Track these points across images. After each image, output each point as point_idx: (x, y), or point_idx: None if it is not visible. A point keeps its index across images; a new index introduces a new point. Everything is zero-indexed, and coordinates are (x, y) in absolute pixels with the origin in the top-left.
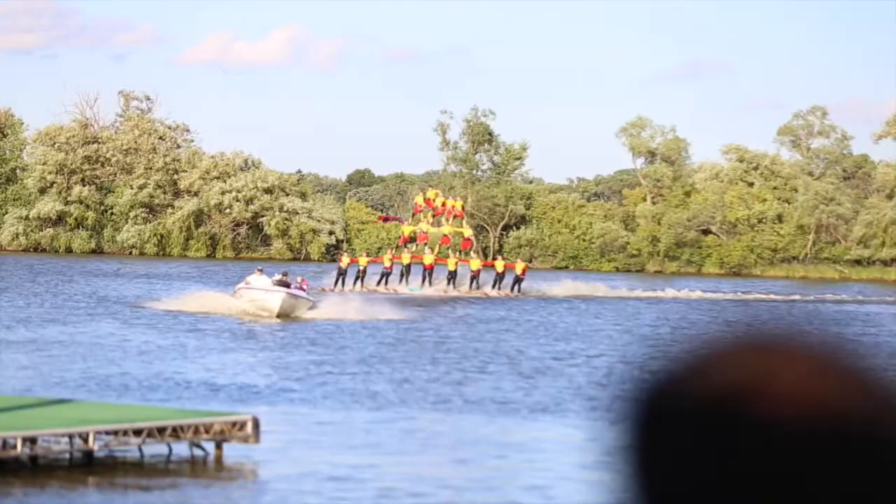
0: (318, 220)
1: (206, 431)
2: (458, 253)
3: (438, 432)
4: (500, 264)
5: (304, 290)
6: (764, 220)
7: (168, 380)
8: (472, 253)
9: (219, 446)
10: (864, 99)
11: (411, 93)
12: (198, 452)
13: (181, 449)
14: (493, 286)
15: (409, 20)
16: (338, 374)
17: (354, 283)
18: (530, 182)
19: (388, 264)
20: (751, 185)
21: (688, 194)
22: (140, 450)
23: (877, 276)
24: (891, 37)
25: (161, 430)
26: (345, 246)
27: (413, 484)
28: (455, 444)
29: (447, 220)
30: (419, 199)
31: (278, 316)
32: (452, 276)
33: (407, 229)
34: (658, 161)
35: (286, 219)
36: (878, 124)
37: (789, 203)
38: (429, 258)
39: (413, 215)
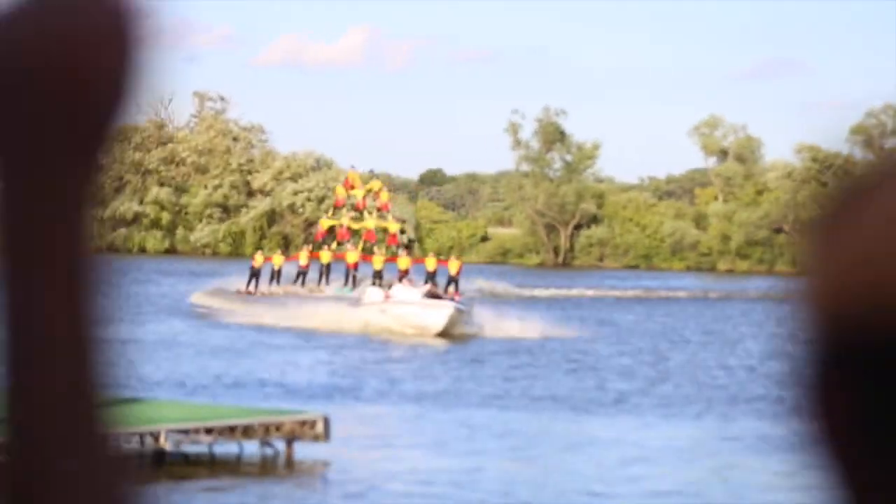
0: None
1: (277, 430)
2: (385, 249)
3: (507, 430)
4: (430, 262)
5: (455, 301)
6: None
7: (240, 379)
8: (400, 250)
9: (289, 445)
10: None
11: (483, 92)
12: (268, 451)
13: (252, 447)
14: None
15: (481, 20)
16: (410, 372)
17: (270, 282)
18: (601, 181)
19: (304, 262)
20: (824, 184)
21: (759, 193)
22: (211, 448)
23: None
24: None
25: (232, 429)
26: (414, 245)
27: (481, 483)
28: (521, 440)
29: (371, 213)
30: (340, 191)
31: (440, 334)
32: (378, 276)
33: (325, 223)
34: (730, 160)
35: (357, 218)
36: None
37: None
38: (352, 256)
39: (334, 209)
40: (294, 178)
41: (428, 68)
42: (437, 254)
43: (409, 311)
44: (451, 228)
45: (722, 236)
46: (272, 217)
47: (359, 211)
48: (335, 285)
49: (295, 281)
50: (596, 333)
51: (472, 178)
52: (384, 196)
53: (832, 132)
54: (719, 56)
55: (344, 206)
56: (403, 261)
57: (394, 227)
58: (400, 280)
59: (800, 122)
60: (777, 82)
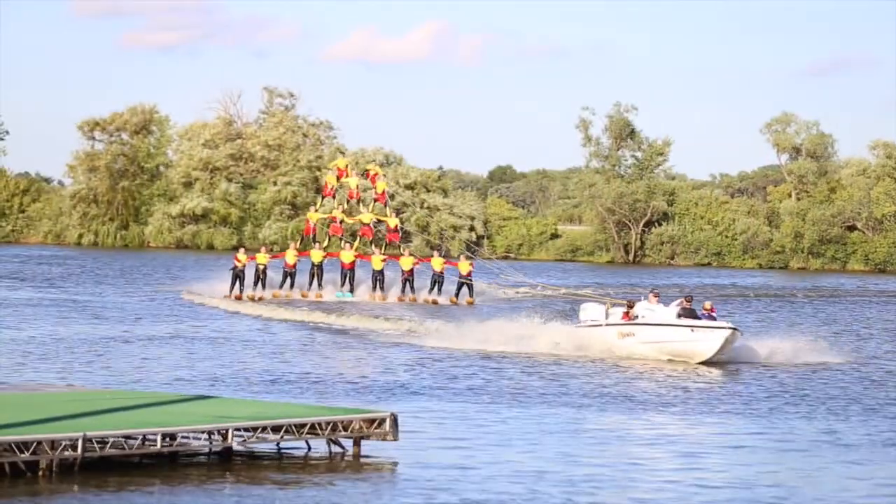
0: (459, 217)
1: (345, 428)
2: (376, 246)
3: (586, 429)
4: (437, 262)
5: (713, 318)
6: None
7: (307, 376)
8: (402, 249)
9: (357, 443)
10: None
11: (553, 89)
12: (336, 449)
13: (319, 446)
14: (432, 290)
15: (551, 16)
16: (479, 371)
17: (256, 285)
18: (673, 178)
19: (291, 262)
20: None
21: (833, 190)
22: (278, 446)
23: None
24: None
25: (299, 427)
26: (483, 242)
27: (559, 482)
28: (597, 440)
29: (366, 205)
30: (331, 179)
31: (703, 362)
32: (379, 278)
33: (314, 216)
34: (803, 157)
35: (427, 215)
36: None
37: None
38: (347, 255)
39: (322, 198)
40: (364, 175)
41: (497, 64)
42: (507, 251)
43: (672, 334)
44: (521, 226)
45: (795, 234)
46: None
47: (351, 202)
48: (328, 288)
49: (282, 283)
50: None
51: (543, 174)
52: (381, 185)
53: None
54: (791, 52)
55: (334, 195)
56: (406, 261)
57: (392, 222)
58: (403, 284)
59: (875, 119)
60: (851, 78)
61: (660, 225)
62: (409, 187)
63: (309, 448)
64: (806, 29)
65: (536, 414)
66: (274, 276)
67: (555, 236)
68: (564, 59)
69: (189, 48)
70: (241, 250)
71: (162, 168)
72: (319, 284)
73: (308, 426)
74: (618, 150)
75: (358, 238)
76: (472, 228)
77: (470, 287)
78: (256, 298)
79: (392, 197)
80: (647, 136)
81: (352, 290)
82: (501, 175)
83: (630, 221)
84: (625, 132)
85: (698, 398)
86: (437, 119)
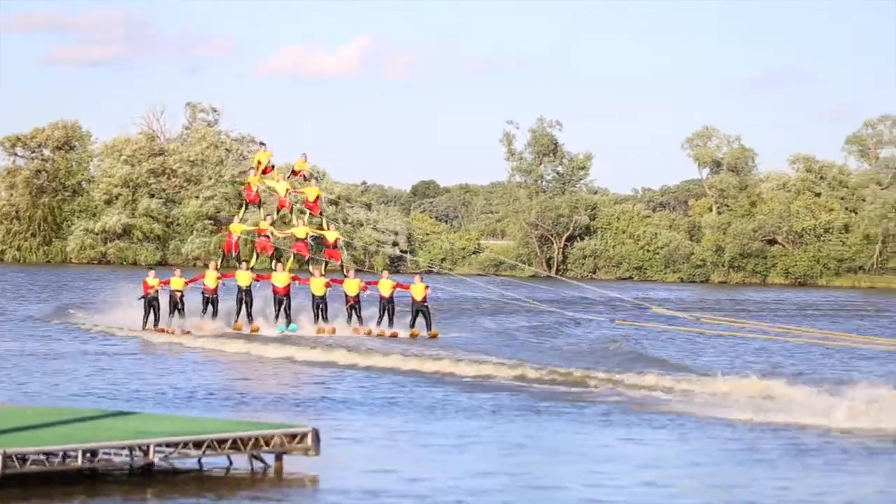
0: (383, 232)
1: (266, 444)
2: (313, 266)
3: (503, 441)
4: (386, 286)
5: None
6: (830, 230)
7: (229, 392)
8: (348, 270)
9: (279, 458)
10: None
11: (477, 104)
12: (258, 465)
13: (241, 461)
14: (381, 319)
15: (478, 32)
16: (400, 386)
17: (172, 312)
18: (595, 192)
19: (212, 286)
20: (818, 194)
21: (753, 204)
22: (200, 462)
23: None
24: None
25: (221, 443)
26: (407, 258)
27: (479, 495)
28: (534, 449)
29: (300, 215)
30: (254, 180)
31: None
32: (321, 304)
33: (237, 228)
34: (724, 171)
35: (350, 231)
36: None
37: (856, 213)
38: (280, 278)
39: (245, 205)
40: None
41: (424, 79)
42: (430, 265)
43: None
44: (444, 240)
45: (716, 248)
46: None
47: (281, 211)
48: (259, 319)
49: (204, 311)
50: None
51: (466, 189)
52: (313, 191)
53: (827, 142)
54: (713, 67)
55: (259, 202)
56: (352, 285)
57: (332, 236)
58: (350, 309)
59: (794, 133)
60: (771, 93)
61: (582, 239)
62: (333, 202)
63: (231, 463)
64: (728, 44)
65: (458, 428)
66: (194, 301)
67: (478, 251)
68: (489, 74)
69: (121, 64)
70: (151, 274)
71: (84, 184)
72: (249, 314)
73: (230, 441)
74: (540, 164)
75: (292, 256)
76: (395, 243)
77: (427, 315)
78: (177, 332)
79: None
80: (570, 151)
81: (288, 320)
82: (425, 190)
83: (552, 236)
84: (548, 147)
85: (626, 410)
86: (362, 134)
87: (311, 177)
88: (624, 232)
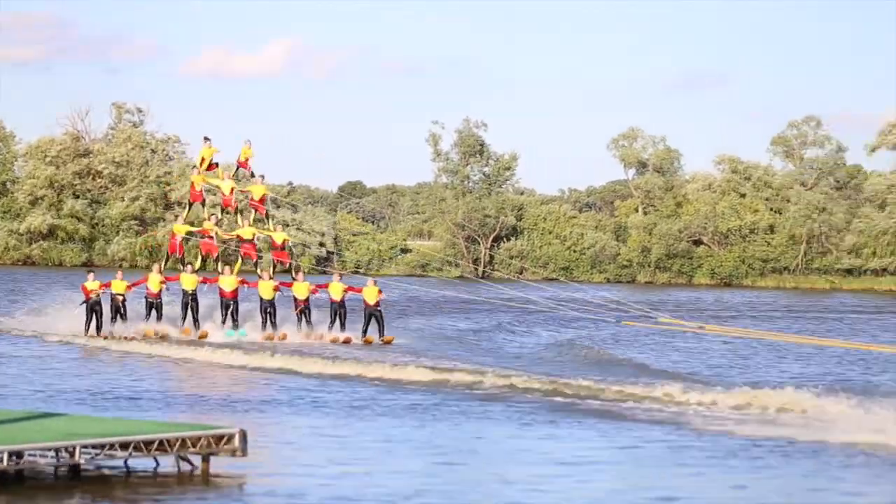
0: (309, 233)
1: (193, 445)
2: (261, 269)
3: (429, 442)
4: (337, 289)
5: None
6: (755, 231)
7: (159, 394)
8: (297, 273)
9: (206, 460)
10: (858, 110)
11: (404, 104)
12: (185, 466)
13: (168, 462)
14: (332, 324)
15: (403, 32)
16: (327, 387)
17: (114, 317)
18: (522, 193)
19: (155, 290)
20: (743, 195)
21: (679, 205)
22: (126, 464)
23: (868, 286)
24: (885, 49)
25: (148, 444)
26: (332, 259)
27: (408, 496)
28: (463, 450)
29: (246, 216)
30: (196, 178)
31: None
32: (270, 309)
33: (181, 229)
34: (650, 172)
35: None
36: (871, 135)
37: (781, 213)
38: (228, 282)
39: (189, 205)
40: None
41: (349, 80)
42: (357, 267)
43: None
44: (371, 241)
45: (642, 248)
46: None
47: (226, 210)
48: (231, 326)
49: (147, 316)
50: None
51: (392, 190)
52: (258, 189)
53: (752, 143)
54: (640, 68)
55: (203, 201)
56: (301, 287)
57: (279, 237)
58: (300, 313)
59: (719, 134)
60: (697, 94)
61: (509, 240)
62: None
63: (157, 465)
64: (654, 45)
65: (385, 428)
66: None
67: (405, 251)
68: (416, 75)
69: (44, 64)
70: (91, 276)
71: (8, 185)
72: (196, 319)
73: (156, 443)
74: (467, 165)
75: (239, 259)
76: (321, 244)
77: (380, 319)
78: (119, 338)
79: (240, 213)
80: (496, 151)
81: (235, 325)
82: (351, 190)
83: (479, 236)
84: (474, 147)
85: (552, 411)
86: (288, 135)
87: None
88: (550, 233)
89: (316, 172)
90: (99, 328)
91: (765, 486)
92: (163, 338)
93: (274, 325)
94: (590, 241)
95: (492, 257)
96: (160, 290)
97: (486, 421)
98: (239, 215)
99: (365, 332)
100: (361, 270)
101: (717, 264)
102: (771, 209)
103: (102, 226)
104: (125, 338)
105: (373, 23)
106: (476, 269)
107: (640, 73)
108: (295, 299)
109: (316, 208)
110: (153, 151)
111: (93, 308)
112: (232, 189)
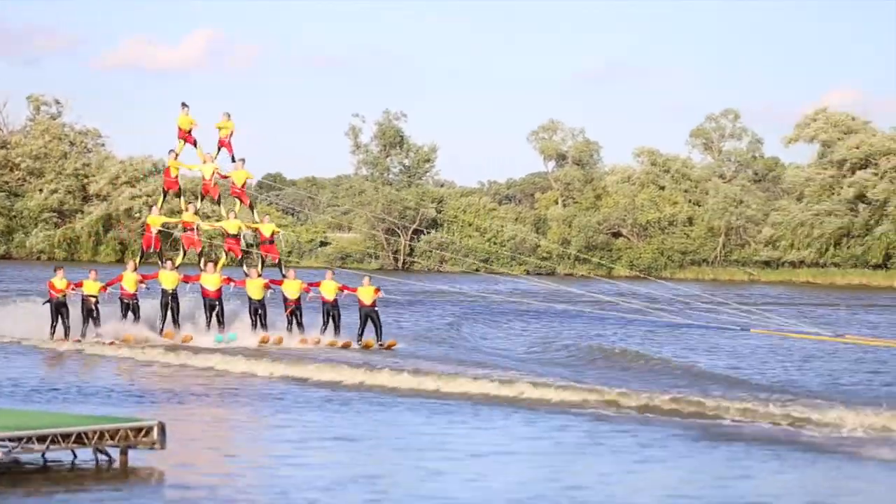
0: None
1: (112, 437)
2: (249, 265)
3: (350, 433)
4: (329, 287)
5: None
6: (674, 223)
7: (74, 386)
8: (287, 270)
9: (124, 452)
10: (776, 103)
11: (324, 96)
12: (102, 459)
13: (86, 455)
14: (325, 326)
15: (323, 24)
16: (248, 379)
17: (86, 321)
18: (442, 185)
19: (131, 289)
20: (662, 188)
21: (599, 197)
22: (44, 457)
23: (785, 278)
24: (802, 42)
25: (65, 437)
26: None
27: (325, 487)
28: (364, 444)
29: (226, 207)
30: (172, 163)
31: None
32: (260, 310)
33: (156, 221)
34: (569, 164)
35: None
36: (789, 128)
37: (700, 205)
38: (211, 280)
39: (164, 194)
40: (131, 183)
41: (270, 72)
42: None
43: None
44: (290, 233)
45: (561, 240)
46: (108, 222)
47: (207, 198)
48: (223, 331)
49: (123, 318)
50: None
51: (312, 182)
52: (239, 176)
53: (671, 135)
54: (560, 60)
55: (179, 189)
56: (292, 286)
57: (267, 229)
58: (290, 315)
59: (638, 126)
60: (616, 87)
61: (429, 232)
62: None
63: (75, 457)
64: (574, 36)
65: (306, 419)
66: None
67: (324, 243)
68: (336, 66)
69: None
70: (59, 274)
71: None
72: (176, 321)
73: (74, 435)
74: (387, 157)
75: (224, 254)
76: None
77: (376, 321)
78: (94, 342)
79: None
80: (416, 143)
81: (221, 326)
82: (271, 182)
83: (399, 228)
84: (394, 139)
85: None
86: (208, 126)
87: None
88: (470, 225)
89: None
90: (67, 331)
91: None
92: (143, 343)
93: (264, 326)
94: (509, 233)
95: (412, 249)
96: (136, 290)
97: (410, 414)
98: (220, 205)
99: (361, 335)
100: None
101: (636, 256)
102: (690, 201)
103: (21, 218)
104: (103, 343)
105: (293, 14)
106: (396, 262)
107: (559, 65)
108: (285, 299)
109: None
110: (72, 144)
111: (59, 309)
112: (214, 173)
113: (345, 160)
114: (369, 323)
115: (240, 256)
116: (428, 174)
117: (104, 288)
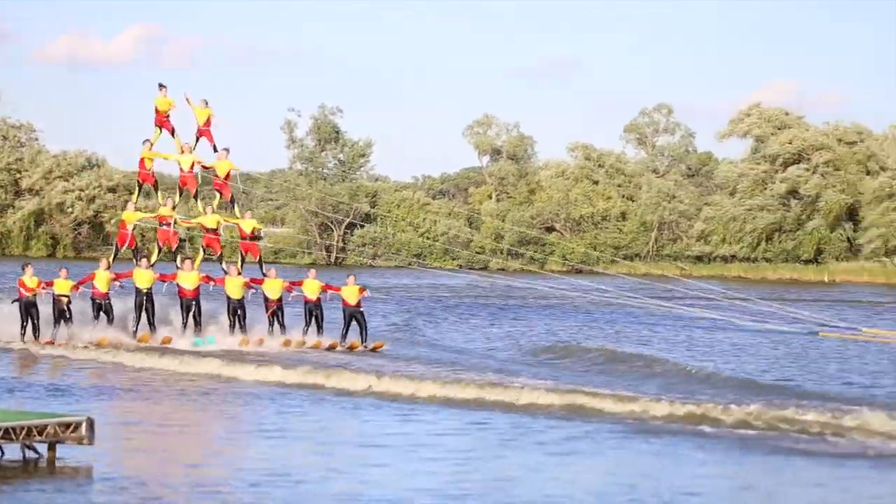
0: None
1: (40, 433)
2: (227, 262)
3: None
4: (312, 286)
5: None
6: (608, 218)
7: (1, 381)
8: (264, 267)
9: (52, 448)
10: (710, 98)
11: (259, 91)
12: (30, 454)
13: (13, 451)
14: (307, 327)
15: (258, 19)
16: (174, 375)
17: (58, 321)
18: (376, 180)
19: (103, 289)
20: (596, 182)
21: (532, 192)
22: None
23: (717, 273)
24: (734, 37)
25: None
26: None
27: (255, 482)
28: (287, 438)
29: (206, 203)
30: (146, 155)
31: None
32: (239, 310)
33: (132, 217)
34: (503, 159)
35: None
36: (722, 123)
37: (633, 200)
38: (188, 278)
39: (139, 186)
40: (65, 178)
41: (205, 67)
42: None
43: None
44: (223, 228)
45: (495, 235)
46: (40, 216)
47: (184, 189)
48: (164, 328)
49: (96, 318)
50: None
51: (246, 176)
52: (223, 167)
53: (605, 130)
54: (495, 55)
55: (155, 182)
56: (273, 285)
57: (248, 225)
58: (272, 315)
59: (572, 121)
60: (551, 81)
61: (362, 227)
62: (111, 190)
63: (2, 453)
64: (509, 31)
65: (231, 414)
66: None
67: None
68: (271, 61)
69: None
70: (28, 271)
71: None
72: (151, 321)
73: (1, 431)
74: (322, 151)
75: (200, 251)
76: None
77: (361, 322)
78: (66, 345)
79: (93, 199)
80: (351, 138)
81: (198, 328)
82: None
83: (332, 223)
84: (329, 134)
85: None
86: (142, 121)
87: (226, 172)
88: (404, 219)
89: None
90: (36, 331)
91: None
92: (116, 346)
93: (243, 328)
94: (443, 228)
95: (345, 244)
96: (109, 289)
97: (345, 411)
98: (198, 201)
99: (345, 335)
100: (214, 257)
101: (569, 251)
102: (623, 196)
103: None
104: (75, 346)
105: (228, 9)
106: (329, 256)
107: (495, 60)
108: (266, 298)
109: (171, 195)
110: (4, 138)
111: (28, 309)
112: (193, 164)
113: (280, 155)
114: (353, 323)
115: (219, 253)
116: (363, 169)
117: (76, 287)
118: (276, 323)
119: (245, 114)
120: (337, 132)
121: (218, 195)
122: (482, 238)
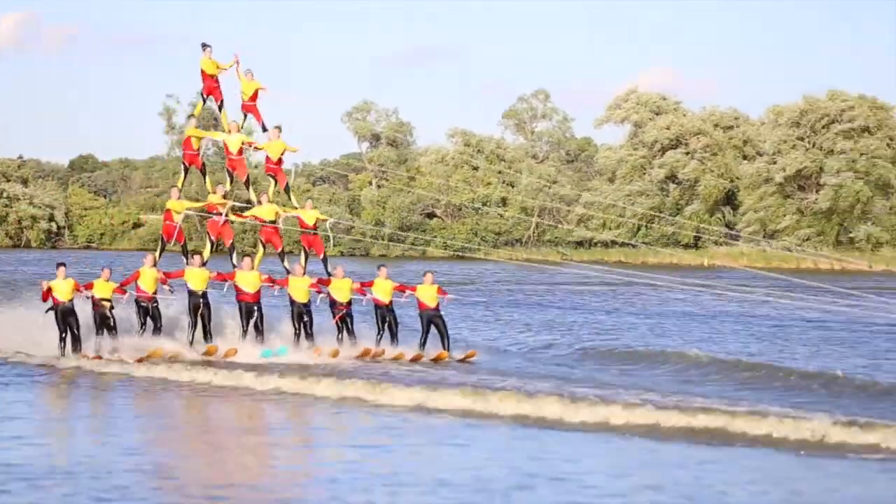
0: (39, 207)
1: None
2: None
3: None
4: (384, 287)
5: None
6: (488, 204)
7: None
8: (335, 267)
9: None
10: (591, 83)
11: (137, 78)
12: None
13: None
14: (380, 335)
15: (135, 4)
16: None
17: (100, 330)
18: (256, 167)
19: (150, 290)
20: (476, 168)
21: (413, 178)
22: None
23: (598, 258)
24: (612, 22)
25: None
26: (66, 234)
27: (128, 468)
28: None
29: (262, 191)
30: (192, 133)
31: None
32: (306, 316)
33: (178, 206)
34: (383, 145)
35: (6, 205)
36: (600, 109)
37: (513, 186)
38: (247, 279)
39: (186, 170)
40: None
41: (82, 53)
42: (89, 241)
43: None
44: (103, 215)
45: (375, 221)
46: None
47: (235, 174)
48: (270, 344)
49: (142, 326)
50: None
51: (125, 164)
52: (275, 148)
53: (484, 116)
54: (374, 41)
55: (203, 166)
56: (342, 285)
57: (310, 216)
58: (340, 321)
59: (451, 108)
60: (429, 67)
61: (243, 213)
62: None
63: None
64: (388, 17)
65: (117, 407)
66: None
67: (137, 225)
68: (149, 48)
69: None
70: (61, 272)
71: None
72: (208, 329)
73: None
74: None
75: (260, 246)
76: (51, 218)
77: (441, 328)
78: (114, 358)
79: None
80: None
81: (260, 336)
82: (83, 164)
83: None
84: (208, 121)
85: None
86: (19, 108)
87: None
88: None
89: (47, 146)
90: (77, 343)
91: None
92: (175, 357)
93: (310, 335)
94: (323, 214)
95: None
96: (156, 291)
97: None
98: (251, 190)
99: (423, 344)
100: (94, 245)
101: (450, 237)
102: (504, 182)
103: None
104: (122, 360)
105: None
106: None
107: (374, 46)
108: (333, 302)
109: (47, 182)
110: None
111: (65, 318)
112: (242, 145)
113: (159, 141)
114: (432, 329)
115: (280, 248)
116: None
117: (119, 289)
118: (344, 330)
119: (123, 100)
120: (216, 119)
121: (273, 181)
122: (363, 224)
